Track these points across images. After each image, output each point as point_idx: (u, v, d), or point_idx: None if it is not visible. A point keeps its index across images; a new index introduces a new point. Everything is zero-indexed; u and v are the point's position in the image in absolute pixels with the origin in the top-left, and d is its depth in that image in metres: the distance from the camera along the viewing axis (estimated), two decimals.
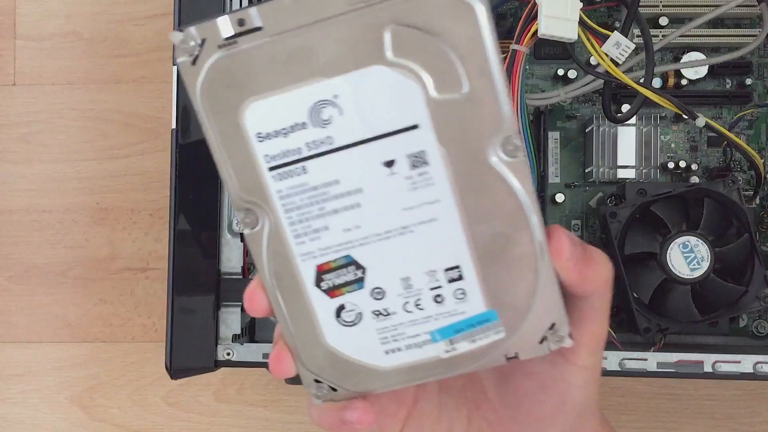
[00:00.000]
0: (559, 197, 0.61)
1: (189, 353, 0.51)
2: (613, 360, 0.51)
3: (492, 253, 0.33)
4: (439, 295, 0.33)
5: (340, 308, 0.34)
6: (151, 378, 0.69)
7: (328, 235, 0.33)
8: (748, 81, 0.61)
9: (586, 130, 0.61)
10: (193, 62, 0.31)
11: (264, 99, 0.31)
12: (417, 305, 0.34)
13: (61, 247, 0.70)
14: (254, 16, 0.31)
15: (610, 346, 0.53)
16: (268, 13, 0.31)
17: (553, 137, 0.62)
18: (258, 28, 0.31)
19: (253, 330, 0.57)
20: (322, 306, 0.34)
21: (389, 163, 0.32)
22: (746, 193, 0.59)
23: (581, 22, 0.47)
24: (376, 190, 0.32)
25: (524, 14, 0.47)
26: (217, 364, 0.52)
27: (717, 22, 0.59)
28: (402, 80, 0.31)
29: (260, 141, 0.32)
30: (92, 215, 0.70)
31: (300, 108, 0.31)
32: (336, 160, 0.32)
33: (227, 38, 0.31)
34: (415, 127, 0.31)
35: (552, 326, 0.33)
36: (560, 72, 0.62)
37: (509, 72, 0.48)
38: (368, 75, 0.31)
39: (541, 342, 0.33)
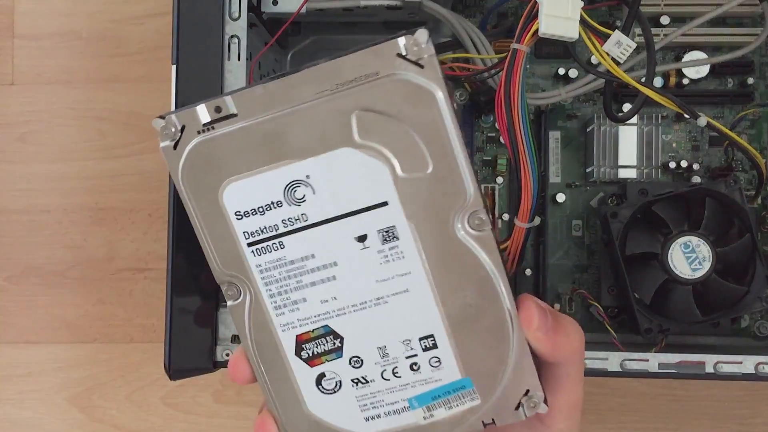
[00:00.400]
0: (560, 197, 0.61)
1: (188, 354, 0.51)
2: (614, 361, 0.51)
3: (464, 322, 0.34)
4: (415, 363, 0.35)
5: (321, 376, 0.35)
6: (149, 379, 0.69)
7: (307, 306, 0.34)
8: (750, 80, 0.60)
9: (587, 130, 0.61)
10: (175, 146, 0.33)
11: (241, 180, 0.33)
12: (394, 373, 0.35)
13: (59, 248, 0.70)
14: (229, 103, 0.33)
15: (611, 346, 0.53)
16: (242, 100, 0.33)
17: (554, 137, 0.62)
18: (233, 115, 0.33)
19: None
20: (303, 374, 0.35)
21: (361, 238, 0.33)
22: (748, 192, 0.58)
23: (582, 21, 0.46)
24: (350, 263, 0.34)
25: (525, 13, 0.47)
26: (216, 365, 0.51)
27: (718, 21, 0.59)
28: (369, 161, 0.32)
29: (239, 219, 0.34)
30: (91, 215, 0.70)
31: (275, 188, 0.33)
32: (311, 236, 0.33)
33: (205, 124, 0.33)
34: (384, 204, 0.33)
35: (527, 392, 0.34)
36: (561, 71, 0.61)
37: (510, 71, 0.47)
38: (337, 157, 0.32)
39: (517, 408, 0.34)
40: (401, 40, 0.31)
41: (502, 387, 0.34)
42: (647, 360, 0.51)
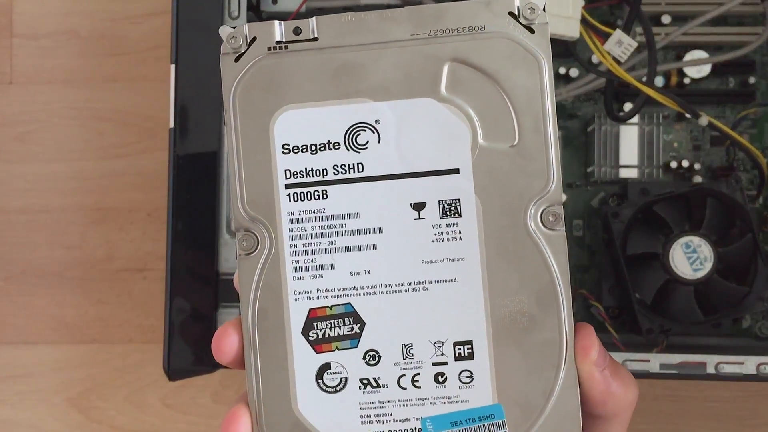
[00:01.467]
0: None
1: (187, 355, 0.51)
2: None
3: (511, 333, 0.29)
4: (441, 374, 0.29)
5: (324, 368, 0.30)
6: (148, 379, 0.68)
7: (333, 275, 0.29)
8: (752, 79, 0.60)
9: (588, 130, 0.61)
10: (237, 59, 0.30)
11: (300, 109, 0.29)
12: (414, 381, 0.29)
13: (58, 248, 0.70)
14: (312, 25, 0.30)
15: (612, 347, 0.53)
16: (327, 25, 0.30)
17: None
18: (314, 39, 0.30)
19: None
20: (304, 361, 0.30)
21: (418, 206, 0.29)
22: (749, 192, 0.58)
23: (583, 20, 0.46)
24: (397, 233, 0.29)
25: None
26: (216, 366, 0.51)
27: (720, 20, 0.59)
28: (451, 119, 0.29)
29: (285, 153, 0.29)
30: (89, 215, 0.70)
31: (337, 126, 0.29)
32: (362, 191, 0.29)
33: (279, 42, 0.30)
34: (455, 171, 0.29)
35: None
36: (562, 70, 0.61)
37: None
38: (417, 106, 0.29)
39: None
40: (516, 0, 0.29)
41: (538, 427, 0.29)
42: (648, 360, 0.51)
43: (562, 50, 0.61)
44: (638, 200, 0.55)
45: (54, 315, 0.69)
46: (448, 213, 0.29)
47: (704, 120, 0.51)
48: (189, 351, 0.50)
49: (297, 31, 0.30)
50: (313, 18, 0.29)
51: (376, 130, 0.29)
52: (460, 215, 0.29)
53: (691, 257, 0.53)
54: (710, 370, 0.50)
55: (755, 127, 0.61)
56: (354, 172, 0.29)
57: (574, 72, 0.61)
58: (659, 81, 0.60)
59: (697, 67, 0.60)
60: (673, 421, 0.65)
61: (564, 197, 0.30)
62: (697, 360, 0.51)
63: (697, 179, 0.60)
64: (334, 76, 0.29)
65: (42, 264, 0.70)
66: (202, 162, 0.50)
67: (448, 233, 0.29)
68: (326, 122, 0.29)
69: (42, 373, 0.69)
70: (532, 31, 0.29)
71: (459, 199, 0.29)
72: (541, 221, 0.29)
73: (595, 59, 0.56)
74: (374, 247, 0.29)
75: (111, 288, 0.69)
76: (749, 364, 0.50)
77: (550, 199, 0.29)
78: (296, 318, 0.30)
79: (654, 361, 0.51)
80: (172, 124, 0.51)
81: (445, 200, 0.29)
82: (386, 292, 0.29)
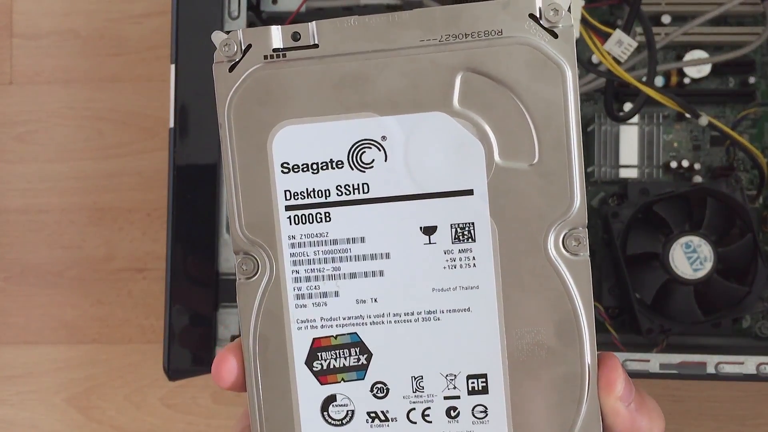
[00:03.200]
0: None
1: (187, 354, 0.51)
2: None
3: (528, 366, 0.27)
4: (454, 408, 0.28)
5: (329, 400, 0.28)
6: (148, 379, 0.68)
7: (337, 303, 0.27)
8: (752, 79, 0.60)
9: (588, 129, 0.61)
10: (231, 68, 0.28)
11: (300, 124, 0.27)
12: (424, 415, 0.28)
13: (57, 248, 0.69)
14: (312, 30, 0.27)
15: (612, 347, 0.53)
16: (329, 30, 0.27)
17: None
18: (314, 45, 0.27)
19: None
20: (308, 392, 0.28)
21: (429, 230, 0.27)
22: (749, 192, 0.58)
23: (583, 20, 0.46)
24: (406, 259, 0.27)
25: None
26: None
27: (720, 20, 0.59)
28: (464, 135, 0.27)
29: (284, 172, 0.27)
30: (89, 215, 0.69)
31: (340, 143, 0.27)
32: (368, 214, 0.27)
33: (276, 49, 0.27)
34: (468, 192, 0.27)
35: None
36: None
37: None
38: (427, 121, 0.27)
39: None
40: (538, 0, 0.26)
41: None
42: (648, 360, 0.51)
43: None
44: (638, 200, 0.55)
45: (53, 315, 0.69)
46: (461, 237, 0.27)
47: (704, 120, 0.51)
48: (189, 351, 0.50)
49: (296, 36, 0.27)
50: (313, 22, 0.27)
51: (382, 147, 0.27)
52: (474, 240, 0.27)
53: (691, 257, 0.53)
54: (710, 370, 0.50)
55: (755, 127, 0.61)
56: (359, 193, 0.27)
57: None
58: (659, 81, 0.60)
59: (697, 67, 0.60)
60: (673, 421, 0.65)
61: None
62: (697, 360, 0.51)
63: (697, 179, 0.60)
64: (336, 87, 0.27)
65: (42, 264, 0.70)
66: (202, 162, 0.50)
67: (461, 259, 0.27)
68: (328, 138, 0.27)
69: (42, 373, 0.69)
70: (555, 35, 0.26)
71: (473, 223, 0.27)
72: (563, 246, 0.27)
73: (595, 59, 0.56)
74: (381, 273, 0.27)
75: (111, 288, 0.69)
76: (749, 364, 0.50)
77: (572, 222, 0.27)
78: (299, 348, 0.28)
79: (654, 361, 0.51)
80: (172, 124, 0.50)
81: (458, 224, 0.27)
82: (394, 321, 0.27)
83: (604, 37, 0.47)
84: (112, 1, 0.70)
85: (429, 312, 0.27)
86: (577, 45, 0.48)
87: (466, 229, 0.27)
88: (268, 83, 0.27)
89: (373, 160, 0.27)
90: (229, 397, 0.68)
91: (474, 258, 0.27)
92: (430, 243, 0.27)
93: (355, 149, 0.27)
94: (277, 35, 0.27)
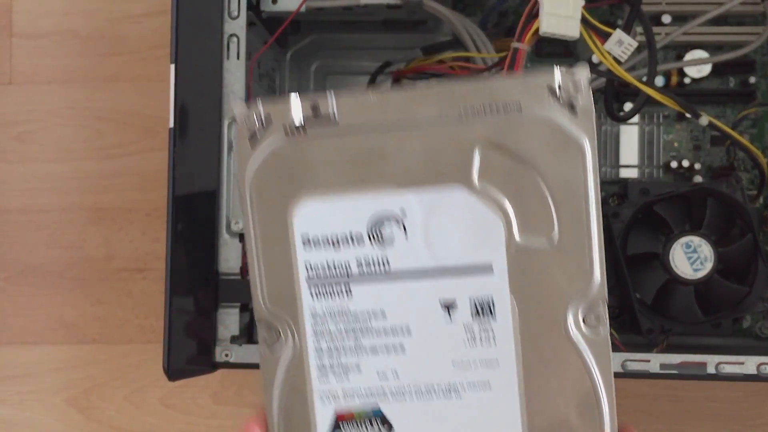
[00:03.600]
0: None
1: (187, 355, 0.51)
2: (616, 361, 0.51)
3: None
4: None
5: None
6: (148, 379, 0.68)
7: (359, 377, 0.28)
8: (752, 79, 0.60)
9: None
10: (252, 142, 0.28)
11: (321, 198, 0.27)
12: None
13: (57, 248, 0.69)
14: (332, 104, 0.27)
15: (612, 347, 0.53)
16: (348, 105, 0.27)
17: None
18: (333, 119, 0.27)
19: (251, 331, 0.57)
20: None
21: (449, 305, 0.27)
22: (750, 192, 0.58)
23: (583, 20, 0.46)
24: (426, 333, 0.27)
25: (526, 12, 0.46)
26: (216, 366, 0.51)
27: (720, 20, 0.59)
28: (483, 211, 0.27)
29: (305, 246, 0.27)
30: (89, 215, 0.69)
31: (359, 217, 0.27)
32: (388, 289, 0.27)
33: (296, 123, 0.28)
34: (488, 268, 0.27)
35: None
36: None
37: (510, 71, 0.47)
38: (446, 195, 0.27)
39: None
40: (557, 74, 0.27)
41: None
42: (648, 360, 0.51)
43: (562, 50, 0.61)
44: (638, 200, 0.55)
45: (53, 315, 0.69)
46: (480, 313, 0.27)
47: (704, 120, 0.51)
48: (189, 351, 0.50)
49: (316, 109, 0.27)
50: (333, 97, 0.27)
51: (401, 221, 0.27)
52: (493, 316, 0.27)
53: (691, 257, 0.53)
54: (710, 370, 0.50)
55: (755, 126, 0.61)
56: (379, 267, 0.27)
57: None
58: (659, 81, 0.60)
59: (697, 66, 0.60)
60: (673, 421, 0.65)
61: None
62: (697, 360, 0.50)
63: (698, 179, 0.60)
64: (355, 162, 0.27)
65: (42, 264, 0.69)
66: (202, 162, 0.50)
67: (480, 335, 0.27)
68: (348, 213, 0.27)
69: (42, 373, 0.69)
70: (574, 110, 0.27)
71: (492, 299, 0.27)
72: (583, 323, 0.27)
73: (595, 59, 0.56)
74: (402, 347, 0.27)
75: (110, 288, 0.69)
76: (749, 364, 0.50)
77: (592, 299, 0.27)
78: (323, 421, 0.28)
79: (654, 361, 0.50)
80: (172, 124, 0.50)
81: (478, 299, 0.27)
82: (415, 396, 0.27)
83: (605, 36, 0.47)
84: (112, 1, 0.70)
85: (449, 387, 0.27)
86: (577, 45, 0.48)
87: (486, 304, 0.27)
88: (289, 158, 0.27)
89: (393, 235, 0.27)
90: (229, 397, 0.68)
91: (494, 334, 0.27)
92: (449, 318, 0.27)
93: (374, 223, 0.27)
94: (296, 108, 0.27)
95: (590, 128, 0.26)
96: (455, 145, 0.26)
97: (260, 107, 0.27)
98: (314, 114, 0.27)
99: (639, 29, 0.53)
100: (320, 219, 0.27)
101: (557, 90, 0.26)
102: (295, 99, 0.27)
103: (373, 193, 0.27)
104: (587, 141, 0.26)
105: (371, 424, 0.27)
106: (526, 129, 0.26)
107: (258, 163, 0.28)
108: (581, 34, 0.46)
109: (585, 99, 0.26)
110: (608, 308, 0.57)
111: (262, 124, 0.28)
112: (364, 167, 0.27)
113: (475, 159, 0.26)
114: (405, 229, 0.27)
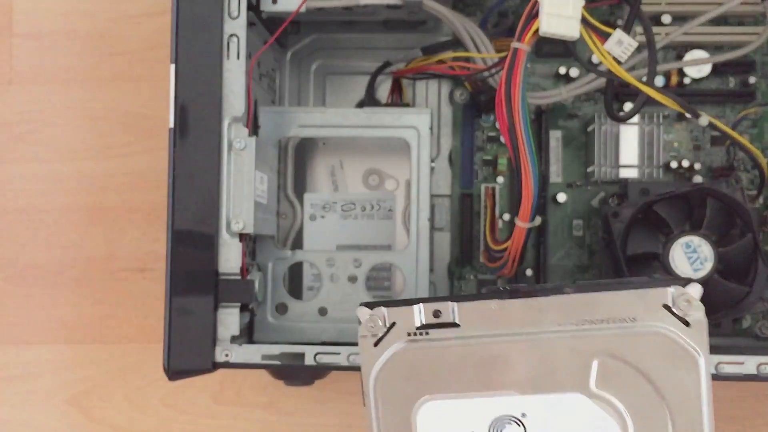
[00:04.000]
0: (561, 197, 0.61)
1: (187, 354, 0.51)
2: None
3: None
4: None
5: None
6: (148, 379, 0.68)
7: None
8: (752, 79, 0.60)
9: (588, 129, 0.61)
10: (376, 343, 0.29)
11: (444, 400, 0.29)
12: None
13: (57, 248, 0.69)
14: (453, 310, 0.29)
15: None
16: (469, 311, 0.29)
17: (555, 136, 0.61)
18: (454, 324, 0.29)
19: (251, 331, 0.57)
20: None
21: None
22: (750, 192, 0.58)
23: (583, 20, 0.46)
24: None
25: (526, 12, 0.46)
26: (215, 366, 0.51)
27: (720, 20, 0.59)
28: (601, 415, 0.28)
29: None
30: (89, 215, 0.69)
31: (481, 418, 0.29)
32: None
33: (419, 327, 0.29)
34: None
35: None
36: (562, 70, 0.61)
37: (510, 71, 0.47)
38: (565, 401, 0.28)
39: None
40: (671, 291, 0.28)
41: None
42: None
43: (562, 50, 0.61)
44: (638, 200, 0.55)
45: (53, 315, 0.69)
46: None
47: (704, 120, 0.51)
48: (189, 351, 0.50)
49: (437, 313, 0.29)
50: (455, 303, 0.28)
51: (522, 423, 0.28)
52: None
53: (691, 257, 0.53)
54: (710, 370, 0.50)
55: (755, 127, 0.61)
56: None
57: (574, 72, 0.61)
58: (659, 81, 0.60)
59: (697, 67, 0.60)
60: None
61: None
62: None
63: (698, 179, 0.60)
64: (477, 367, 0.28)
65: (41, 264, 0.69)
66: (202, 162, 0.50)
67: None
68: (470, 414, 0.28)
69: (42, 373, 0.69)
70: (687, 324, 0.29)
71: None
72: None
73: (595, 59, 0.56)
74: None
75: (110, 288, 0.69)
76: (749, 364, 0.50)
77: None
78: None
79: None
80: (172, 124, 0.50)
81: None
82: None
83: (605, 36, 0.47)
84: (112, 1, 0.70)
85: None
86: (577, 45, 0.48)
87: None
88: (413, 360, 0.29)
89: None
90: (229, 397, 0.68)
91: None
92: None
93: (495, 425, 0.28)
94: (419, 314, 0.29)
95: (703, 341, 0.29)
96: (574, 355, 0.28)
97: (384, 312, 0.29)
98: (436, 317, 0.29)
99: (639, 29, 0.53)
100: (443, 419, 0.29)
101: (671, 305, 0.29)
102: (418, 306, 0.29)
103: (496, 397, 0.28)
104: (701, 353, 0.29)
105: None
106: (642, 341, 0.28)
107: (381, 362, 0.29)
108: (581, 34, 0.46)
109: (698, 313, 0.29)
110: None
111: (386, 327, 0.29)
112: (486, 372, 0.28)
113: (593, 368, 0.28)
114: (525, 429, 0.28)
